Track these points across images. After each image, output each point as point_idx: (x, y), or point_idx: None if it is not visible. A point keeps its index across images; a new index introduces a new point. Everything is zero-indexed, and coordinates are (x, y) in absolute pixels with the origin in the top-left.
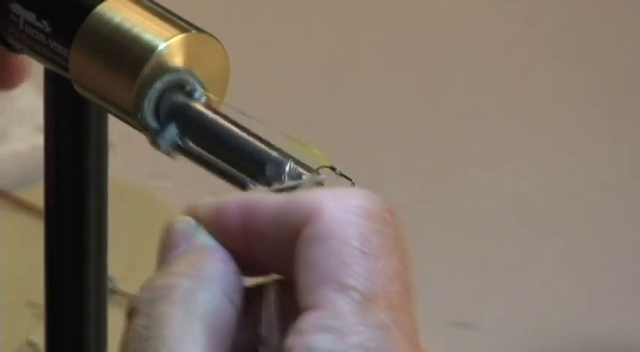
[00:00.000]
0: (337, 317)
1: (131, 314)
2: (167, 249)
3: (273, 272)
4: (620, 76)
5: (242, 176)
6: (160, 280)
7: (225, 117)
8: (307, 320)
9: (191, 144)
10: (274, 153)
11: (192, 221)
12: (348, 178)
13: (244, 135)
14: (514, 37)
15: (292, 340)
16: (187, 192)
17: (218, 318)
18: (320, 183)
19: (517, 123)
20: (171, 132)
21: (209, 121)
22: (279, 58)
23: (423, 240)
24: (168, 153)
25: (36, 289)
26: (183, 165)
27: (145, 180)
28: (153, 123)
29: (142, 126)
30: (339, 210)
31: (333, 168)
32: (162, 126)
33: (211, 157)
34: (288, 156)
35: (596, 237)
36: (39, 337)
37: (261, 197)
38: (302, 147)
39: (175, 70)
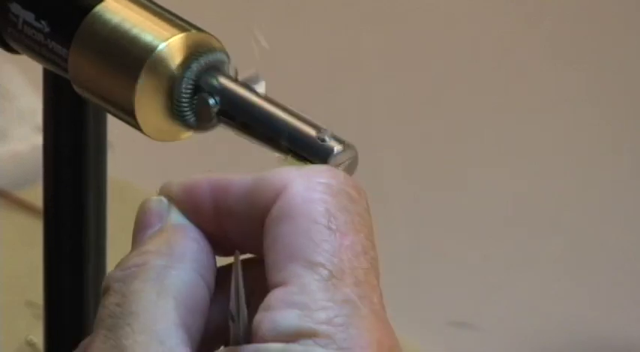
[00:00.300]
0: (304, 293)
1: (105, 291)
2: (141, 228)
3: (244, 251)
4: (620, 76)
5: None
6: (133, 259)
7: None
8: (275, 297)
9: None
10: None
11: (165, 200)
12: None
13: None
14: (514, 37)
15: (260, 316)
16: None
17: (190, 296)
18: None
19: (517, 123)
20: (212, 102)
21: (249, 97)
22: (278, 57)
23: (423, 239)
24: (210, 117)
25: (35, 289)
26: (184, 165)
27: (144, 180)
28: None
29: (185, 95)
30: (306, 188)
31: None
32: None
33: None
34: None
35: (596, 237)
36: (38, 337)
37: (231, 176)
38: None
39: (213, 51)
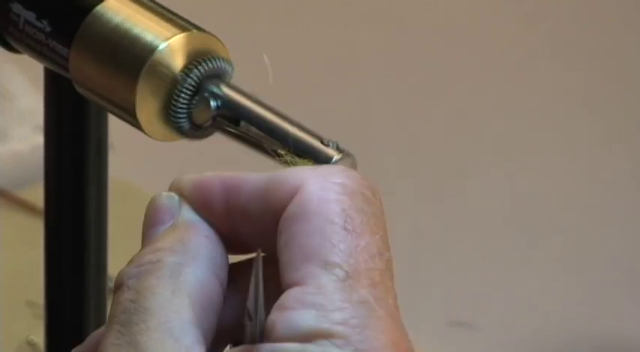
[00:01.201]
0: (320, 293)
1: (118, 288)
2: (152, 224)
3: (254, 250)
4: (620, 76)
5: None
6: (147, 256)
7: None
8: (290, 296)
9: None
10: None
11: (175, 196)
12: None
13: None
14: (514, 37)
15: (275, 315)
16: None
17: (205, 294)
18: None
19: (517, 124)
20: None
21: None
22: (278, 57)
23: (423, 240)
24: (207, 118)
25: (35, 289)
26: (184, 165)
27: (145, 180)
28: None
29: (185, 90)
30: (322, 188)
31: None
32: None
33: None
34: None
35: (596, 237)
36: (39, 337)
37: (245, 174)
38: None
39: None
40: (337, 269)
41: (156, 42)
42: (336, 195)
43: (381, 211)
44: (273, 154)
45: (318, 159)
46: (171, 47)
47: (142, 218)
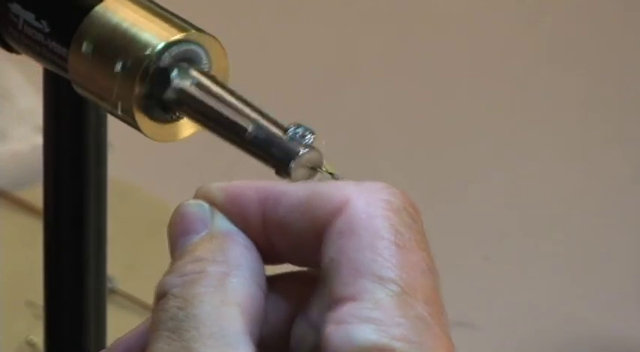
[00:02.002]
0: (378, 308)
1: (162, 296)
2: (183, 233)
3: (289, 262)
4: (620, 77)
5: (243, 124)
6: (188, 266)
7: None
8: (346, 311)
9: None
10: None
11: (206, 205)
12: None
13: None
14: (514, 40)
15: (331, 329)
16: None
17: (251, 304)
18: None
19: (517, 125)
20: (183, 78)
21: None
22: (278, 58)
23: None
24: (178, 91)
25: (35, 289)
26: (184, 165)
27: (145, 180)
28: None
29: (151, 68)
30: (368, 204)
31: (331, 174)
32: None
33: (215, 107)
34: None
35: (597, 237)
36: (39, 337)
37: (283, 186)
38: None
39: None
40: (392, 284)
41: (154, 42)
42: (383, 211)
43: (423, 229)
44: (240, 142)
45: (282, 153)
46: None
47: (142, 218)
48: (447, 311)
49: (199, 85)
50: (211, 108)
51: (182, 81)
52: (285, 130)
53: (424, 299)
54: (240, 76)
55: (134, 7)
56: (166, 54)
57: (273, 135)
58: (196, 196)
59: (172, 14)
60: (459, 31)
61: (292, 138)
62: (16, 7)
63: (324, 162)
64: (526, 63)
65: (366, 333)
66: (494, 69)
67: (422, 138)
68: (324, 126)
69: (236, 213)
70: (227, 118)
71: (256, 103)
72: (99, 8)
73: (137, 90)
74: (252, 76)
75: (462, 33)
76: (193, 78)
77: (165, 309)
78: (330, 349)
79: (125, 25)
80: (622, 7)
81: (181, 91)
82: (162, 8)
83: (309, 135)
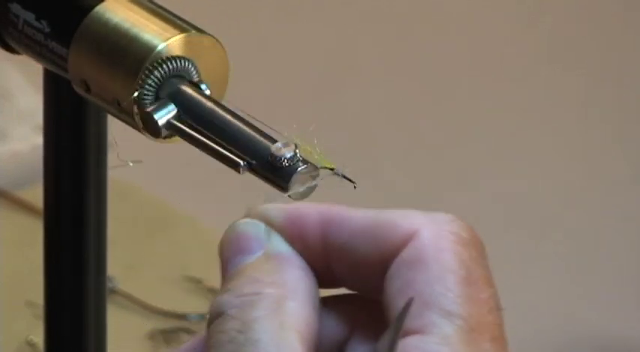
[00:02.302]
0: (446, 344)
1: (218, 316)
2: (237, 252)
3: (346, 287)
4: (620, 77)
5: (236, 158)
6: (246, 286)
7: (225, 107)
8: (414, 344)
9: (186, 126)
10: (278, 142)
11: (261, 225)
12: (350, 180)
13: (243, 122)
14: (513, 39)
15: None
16: (189, 193)
17: (309, 330)
18: (315, 175)
19: (517, 124)
20: (168, 110)
21: (209, 107)
22: (278, 58)
23: None
24: (158, 131)
25: (35, 289)
26: (184, 166)
27: (145, 180)
28: (150, 100)
29: (138, 104)
30: (437, 236)
31: (332, 169)
32: (160, 104)
33: (206, 140)
34: (292, 144)
35: (597, 236)
36: (39, 337)
37: (348, 211)
38: (303, 148)
39: (178, 59)
40: (460, 320)
41: (155, 42)
42: (453, 244)
43: (488, 264)
44: (231, 164)
45: (277, 179)
46: (170, 48)
47: (142, 218)
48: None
49: (184, 119)
50: (202, 144)
51: (166, 115)
52: (272, 156)
53: (491, 337)
54: (240, 76)
55: (134, 7)
56: (156, 71)
57: (265, 164)
58: (251, 215)
59: (173, 14)
60: (459, 31)
61: (280, 162)
62: (16, 7)
63: (323, 158)
64: (526, 63)
65: None
66: (494, 69)
67: (422, 138)
68: (324, 125)
69: (296, 234)
70: (218, 153)
71: (252, 110)
72: (99, 8)
73: (138, 90)
74: (253, 75)
75: (462, 33)
76: (178, 92)
77: (223, 331)
78: None
79: (125, 25)
80: (622, 7)
81: (169, 125)
82: (162, 9)
83: (289, 153)
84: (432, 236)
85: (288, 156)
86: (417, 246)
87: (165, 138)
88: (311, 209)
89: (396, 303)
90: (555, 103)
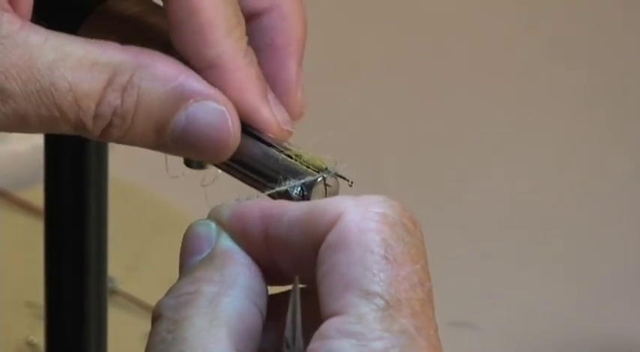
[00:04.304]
0: (360, 322)
1: (155, 319)
2: (189, 253)
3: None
4: (621, 76)
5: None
6: (185, 286)
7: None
8: (330, 326)
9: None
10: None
11: (213, 224)
12: (345, 179)
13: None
14: (514, 38)
15: (315, 345)
16: (189, 194)
17: (243, 323)
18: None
19: (517, 124)
20: None
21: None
22: None
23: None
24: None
25: (35, 289)
26: (183, 165)
27: (146, 180)
28: None
29: None
30: (362, 217)
31: (326, 169)
32: None
33: (241, 168)
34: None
35: (596, 237)
36: (39, 337)
37: (284, 204)
38: (296, 149)
39: None
40: (378, 298)
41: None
42: (377, 224)
43: (421, 241)
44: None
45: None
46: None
47: (143, 218)
48: (447, 312)
49: None
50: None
51: None
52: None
53: (411, 312)
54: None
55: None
56: None
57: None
58: (209, 215)
59: None
60: (460, 29)
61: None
62: None
63: (317, 158)
64: (527, 60)
65: (345, 348)
66: (494, 68)
67: (421, 137)
68: (324, 125)
69: (241, 232)
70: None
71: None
72: (100, 9)
73: None
74: None
75: (463, 32)
76: None
77: (156, 332)
78: None
79: (126, 26)
80: (622, 7)
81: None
82: (160, 7)
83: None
84: (357, 218)
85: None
86: (340, 228)
87: None
88: (254, 206)
89: (322, 288)
90: (556, 103)
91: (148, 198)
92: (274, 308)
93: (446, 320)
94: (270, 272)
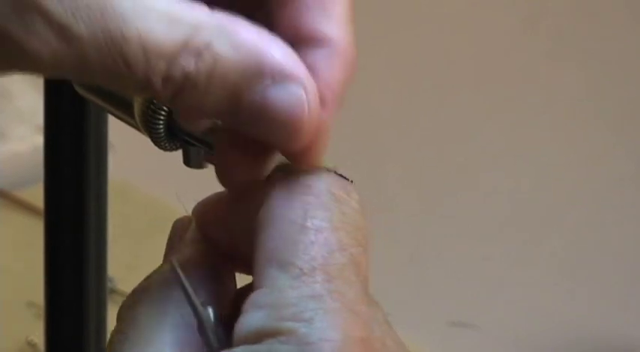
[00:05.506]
0: (273, 292)
1: (116, 319)
2: (168, 249)
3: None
4: (621, 76)
5: None
6: (140, 284)
7: None
8: (249, 300)
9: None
10: None
11: (186, 219)
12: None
13: None
14: (514, 39)
15: (239, 320)
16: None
17: (188, 316)
18: None
19: (517, 124)
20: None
21: None
22: None
23: (424, 240)
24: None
25: (35, 289)
26: (182, 165)
27: (145, 180)
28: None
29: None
30: (288, 191)
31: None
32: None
33: None
34: None
35: (597, 237)
36: (39, 337)
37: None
38: None
39: None
40: (292, 267)
41: None
42: (300, 195)
43: (353, 209)
44: None
45: None
46: None
47: (142, 218)
48: (447, 312)
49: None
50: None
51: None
52: None
53: (326, 278)
54: None
55: None
56: None
57: None
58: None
59: None
60: (460, 29)
61: None
62: None
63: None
64: (528, 61)
65: (256, 319)
66: (495, 68)
67: (421, 138)
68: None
69: (204, 223)
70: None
71: None
72: None
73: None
74: None
75: (463, 32)
76: None
77: (112, 334)
78: (233, 340)
79: None
80: (622, 7)
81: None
82: None
83: None
84: (283, 192)
85: None
86: (267, 205)
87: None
88: (214, 196)
89: (255, 268)
90: (556, 103)
91: (147, 197)
92: (242, 299)
93: (446, 320)
94: (239, 261)
